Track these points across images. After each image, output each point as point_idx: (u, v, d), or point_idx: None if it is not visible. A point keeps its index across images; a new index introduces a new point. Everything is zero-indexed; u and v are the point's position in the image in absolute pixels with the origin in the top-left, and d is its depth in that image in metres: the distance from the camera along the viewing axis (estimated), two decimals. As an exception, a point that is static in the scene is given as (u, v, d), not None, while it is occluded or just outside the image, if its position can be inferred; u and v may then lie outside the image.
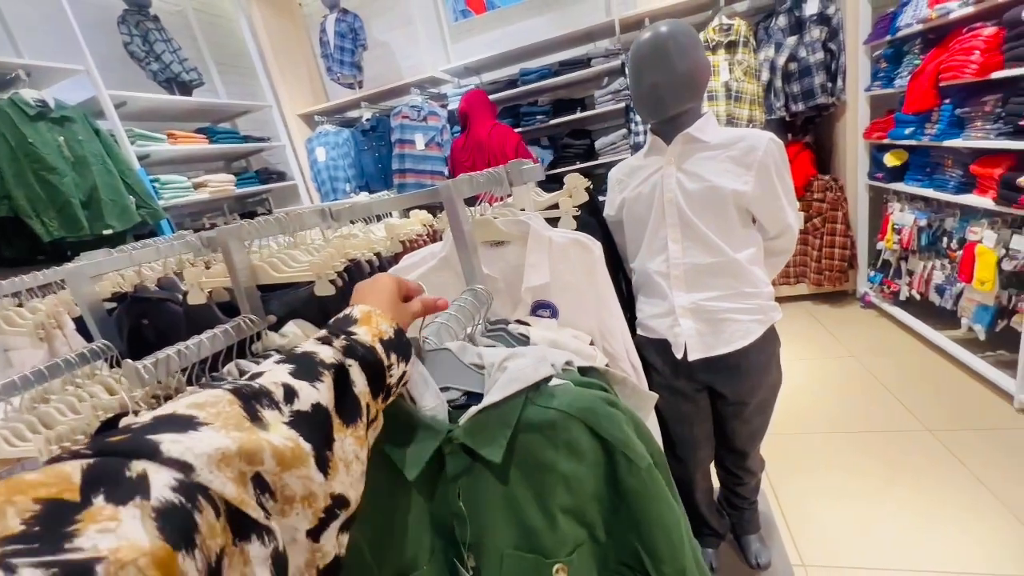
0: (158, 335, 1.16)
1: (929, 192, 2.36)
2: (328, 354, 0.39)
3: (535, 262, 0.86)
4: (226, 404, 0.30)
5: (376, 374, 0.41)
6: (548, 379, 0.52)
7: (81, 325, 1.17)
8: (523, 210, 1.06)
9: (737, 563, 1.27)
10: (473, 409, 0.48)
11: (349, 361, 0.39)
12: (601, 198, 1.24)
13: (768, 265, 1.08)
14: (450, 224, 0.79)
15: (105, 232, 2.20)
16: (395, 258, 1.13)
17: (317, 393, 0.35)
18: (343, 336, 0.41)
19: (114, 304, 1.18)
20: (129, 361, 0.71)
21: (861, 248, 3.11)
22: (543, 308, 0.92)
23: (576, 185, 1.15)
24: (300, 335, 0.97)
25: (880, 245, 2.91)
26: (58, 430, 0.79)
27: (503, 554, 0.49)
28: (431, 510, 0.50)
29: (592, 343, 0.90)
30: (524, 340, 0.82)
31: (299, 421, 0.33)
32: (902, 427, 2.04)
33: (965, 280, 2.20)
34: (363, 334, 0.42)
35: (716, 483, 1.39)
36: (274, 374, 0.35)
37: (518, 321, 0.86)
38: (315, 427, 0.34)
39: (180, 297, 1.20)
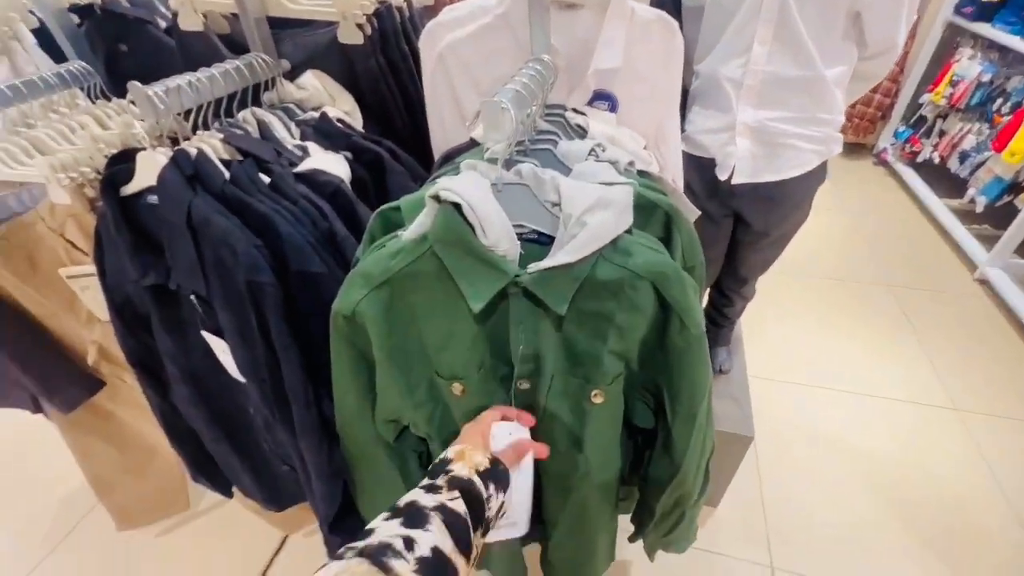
0: (141, 67, 0.99)
1: (1015, 41, 2.08)
2: (429, 500, 0.41)
3: (611, 38, 0.72)
4: (355, 564, 0.33)
5: (476, 508, 0.43)
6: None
7: (43, 40, 0.98)
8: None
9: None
10: (546, 263, 0.47)
11: (453, 494, 0.42)
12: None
13: (850, 91, 0.96)
14: (525, -37, 0.62)
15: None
16: (427, 11, 0.94)
17: (432, 536, 0.38)
18: (442, 475, 0.44)
19: (79, 20, 0.98)
20: (137, 84, 0.60)
21: (902, 99, 2.88)
22: (602, 99, 0.82)
23: (660, -55, 0.91)
24: (321, 90, 0.85)
25: (924, 98, 2.69)
26: (61, 158, 0.71)
27: (552, 375, 0.54)
28: (488, 331, 0.53)
29: (646, 147, 0.83)
30: (581, 133, 0.74)
31: (423, 568, 0.35)
32: (866, 279, 2.21)
33: (996, 149, 2.12)
34: (459, 469, 0.45)
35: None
36: (387, 529, 0.37)
37: (574, 110, 0.77)
38: (437, 570, 0.36)
39: (161, 23, 0.99)
